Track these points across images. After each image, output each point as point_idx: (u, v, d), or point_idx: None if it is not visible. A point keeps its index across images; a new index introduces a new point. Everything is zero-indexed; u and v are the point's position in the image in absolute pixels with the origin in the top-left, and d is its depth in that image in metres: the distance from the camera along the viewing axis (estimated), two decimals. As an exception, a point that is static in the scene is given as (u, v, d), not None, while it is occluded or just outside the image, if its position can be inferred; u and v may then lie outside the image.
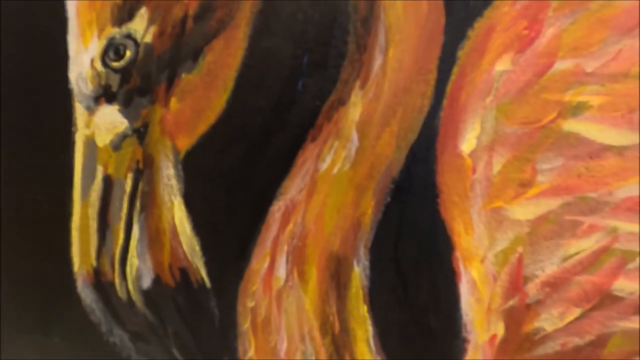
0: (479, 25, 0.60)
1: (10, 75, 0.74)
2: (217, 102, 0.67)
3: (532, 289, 0.58)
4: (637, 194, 0.55)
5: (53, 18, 0.71)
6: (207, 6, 0.66)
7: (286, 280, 0.66)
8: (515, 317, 0.58)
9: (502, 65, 0.59)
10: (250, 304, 0.68)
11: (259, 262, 0.67)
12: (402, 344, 0.64)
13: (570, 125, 0.57)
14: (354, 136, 0.64)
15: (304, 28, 0.65)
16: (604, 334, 0.56)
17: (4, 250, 0.76)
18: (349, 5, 0.64)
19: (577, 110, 0.57)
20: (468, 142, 0.60)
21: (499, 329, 0.59)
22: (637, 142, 0.55)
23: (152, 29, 0.67)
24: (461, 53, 0.61)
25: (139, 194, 0.69)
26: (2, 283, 0.78)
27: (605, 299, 0.56)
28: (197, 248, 0.69)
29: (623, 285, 0.55)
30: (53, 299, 0.76)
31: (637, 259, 0.55)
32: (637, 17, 0.55)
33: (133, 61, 0.67)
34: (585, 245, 0.56)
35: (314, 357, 0.66)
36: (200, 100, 0.68)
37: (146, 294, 0.71)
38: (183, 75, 0.67)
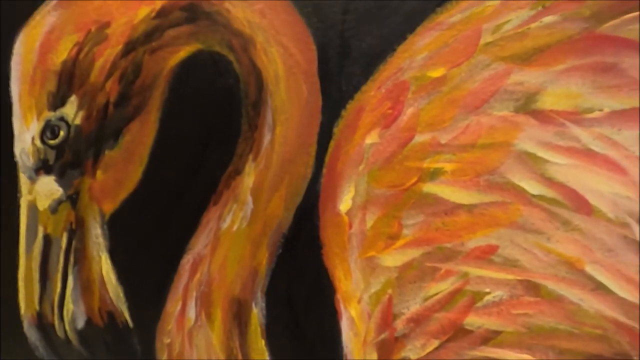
0: (351, 106, 0.64)
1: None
2: (135, 174, 0.71)
3: (400, 325, 0.60)
4: (484, 244, 0.58)
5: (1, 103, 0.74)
6: (125, 95, 0.70)
7: (196, 321, 0.69)
8: (386, 348, 0.61)
9: (371, 139, 0.62)
10: (167, 340, 0.71)
11: (172, 306, 0.70)
12: (295, 372, 0.67)
13: (429, 187, 0.59)
14: (249, 200, 0.67)
15: (205, 112, 0.69)
16: (457, 362, 0.58)
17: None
18: (240, 92, 0.68)
19: (434, 175, 0.59)
20: (345, 203, 0.63)
21: (373, 359, 0.62)
22: (484, 201, 0.58)
23: (81, 113, 0.70)
24: (336, 129, 0.65)
25: (72, 250, 0.72)
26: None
27: (458, 332, 0.58)
28: (121, 295, 0.72)
29: (473, 321, 0.58)
30: (3, 338, 0.79)
31: (485, 298, 0.58)
32: (481, 98, 0.58)
33: (66, 140, 0.70)
34: (442, 287, 0.59)
35: (221, 386, 0.69)
36: (121, 172, 0.71)
37: (80, 334, 0.73)
38: (106, 152, 0.71)
